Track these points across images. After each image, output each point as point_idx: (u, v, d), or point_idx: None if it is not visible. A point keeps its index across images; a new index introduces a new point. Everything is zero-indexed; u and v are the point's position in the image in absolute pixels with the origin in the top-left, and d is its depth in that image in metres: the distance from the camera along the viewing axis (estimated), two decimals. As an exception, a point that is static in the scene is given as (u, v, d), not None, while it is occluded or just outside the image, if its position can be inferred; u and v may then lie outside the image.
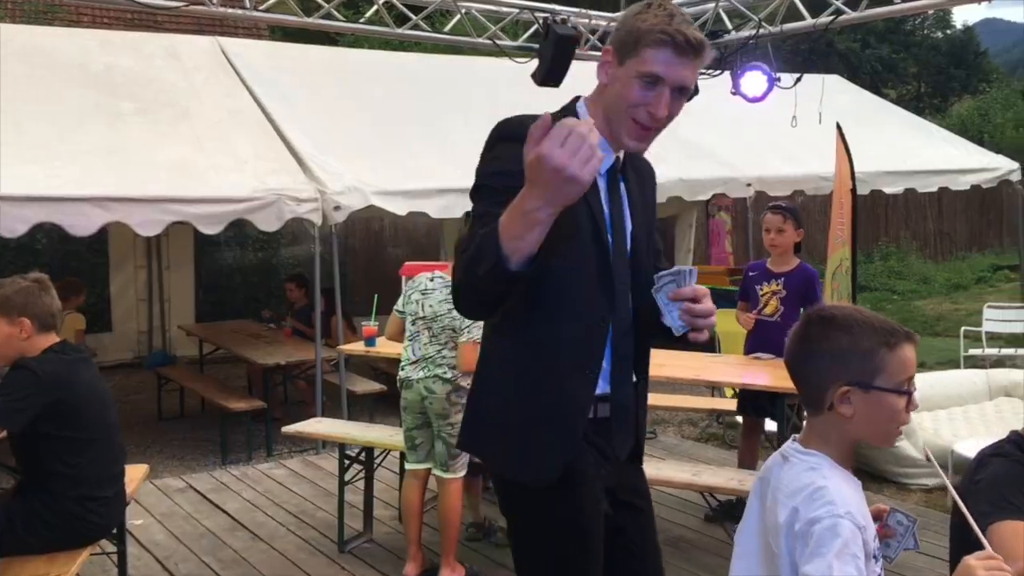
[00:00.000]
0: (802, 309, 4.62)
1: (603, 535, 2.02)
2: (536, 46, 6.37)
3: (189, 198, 6.19)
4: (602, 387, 2.01)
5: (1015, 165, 10.24)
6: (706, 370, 4.63)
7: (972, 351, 8.71)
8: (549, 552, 1.99)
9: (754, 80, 6.03)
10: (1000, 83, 34.30)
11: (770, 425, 4.84)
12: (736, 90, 6.10)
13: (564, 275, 1.91)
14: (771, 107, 6.82)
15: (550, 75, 6.17)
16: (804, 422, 1.71)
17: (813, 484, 1.57)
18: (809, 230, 11.10)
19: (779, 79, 6.11)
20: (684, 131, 9.11)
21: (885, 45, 36.67)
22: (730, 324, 5.08)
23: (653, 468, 4.34)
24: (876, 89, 25.01)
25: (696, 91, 2.12)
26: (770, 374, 4.32)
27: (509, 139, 1.87)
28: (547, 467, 1.94)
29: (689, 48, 1.87)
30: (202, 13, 5.96)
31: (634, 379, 2.09)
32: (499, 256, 1.68)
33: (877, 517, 1.71)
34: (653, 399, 6.33)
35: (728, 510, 4.53)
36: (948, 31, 41.65)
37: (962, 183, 10.02)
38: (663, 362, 4.35)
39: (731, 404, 5.37)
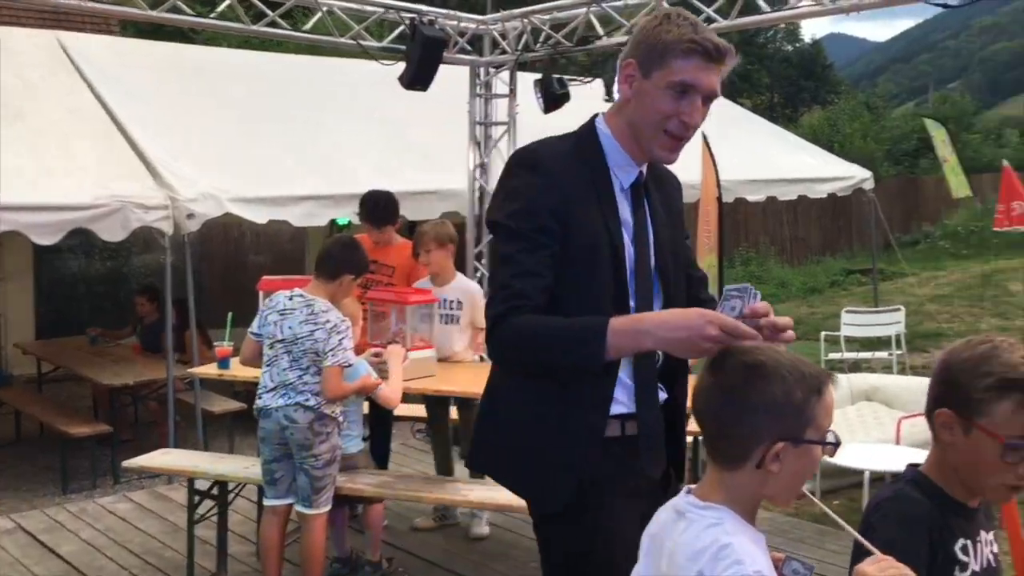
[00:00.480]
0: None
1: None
2: (402, 48, 6.12)
3: (21, 206, 5.64)
4: (628, 406, 1.99)
5: (868, 174, 10.67)
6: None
7: (831, 355, 8.98)
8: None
9: (626, 87, 5.96)
10: (847, 95, 36.23)
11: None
12: (610, 97, 6.01)
13: (577, 297, 1.91)
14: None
15: (417, 78, 5.95)
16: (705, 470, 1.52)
17: (717, 542, 1.40)
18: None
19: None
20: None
21: (741, 56, 38.06)
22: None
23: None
24: (733, 99, 25.91)
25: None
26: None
27: (527, 168, 1.93)
28: (559, 491, 1.94)
29: (717, 55, 1.91)
30: (34, 4, 5.41)
31: (665, 397, 2.06)
32: (597, 358, 1.77)
33: (773, 566, 1.56)
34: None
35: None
36: (797, 44, 43.79)
37: (819, 191, 10.36)
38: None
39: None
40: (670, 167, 2.16)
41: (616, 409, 1.97)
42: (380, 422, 5.06)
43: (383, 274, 5.21)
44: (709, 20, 5.38)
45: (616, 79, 2.02)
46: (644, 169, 2.06)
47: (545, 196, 1.90)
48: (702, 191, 7.37)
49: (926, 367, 8.98)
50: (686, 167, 8.79)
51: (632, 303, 1.97)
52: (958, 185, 13.67)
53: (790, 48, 43.59)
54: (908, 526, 1.57)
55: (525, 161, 1.97)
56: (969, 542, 1.60)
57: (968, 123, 32.24)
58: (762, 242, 17.41)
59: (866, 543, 1.45)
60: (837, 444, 1.45)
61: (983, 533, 1.64)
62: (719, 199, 7.19)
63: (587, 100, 6.81)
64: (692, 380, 1.74)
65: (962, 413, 1.57)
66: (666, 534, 1.50)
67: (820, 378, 1.45)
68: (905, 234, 18.83)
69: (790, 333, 1.76)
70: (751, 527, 1.47)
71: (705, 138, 6.95)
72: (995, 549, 1.66)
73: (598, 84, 6.36)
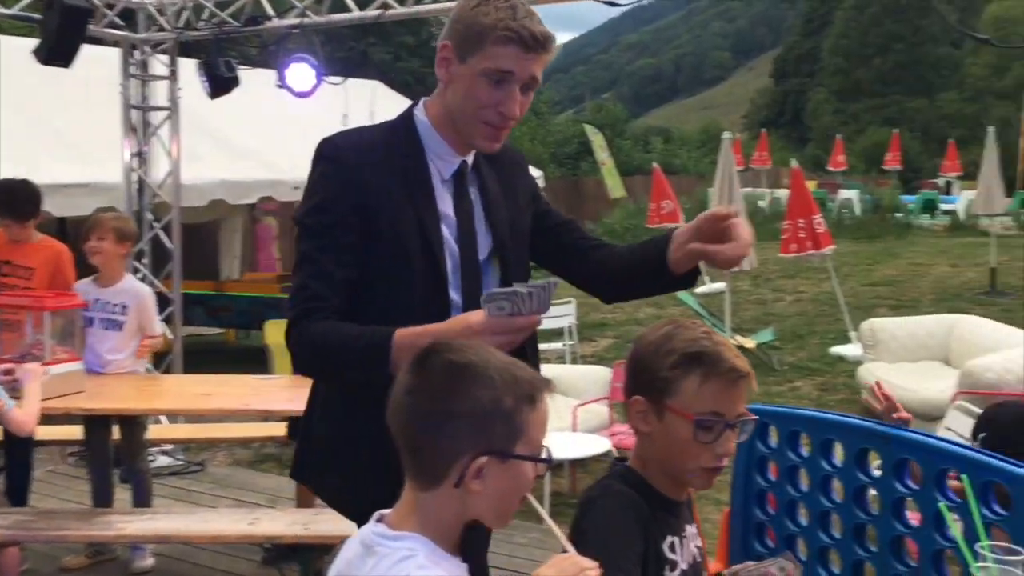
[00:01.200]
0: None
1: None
2: (37, 16, 5.32)
3: None
4: None
5: (539, 173, 11.18)
6: (255, 397, 4.09)
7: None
8: None
9: (300, 73, 5.61)
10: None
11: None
12: (282, 83, 5.63)
13: (389, 292, 1.83)
14: (320, 107, 6.49)
15: (56, 52, 5.18)
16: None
17: None
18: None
19: (327, 75, 5.78)
20: (226, 129, 8.48)
21: (416, 59, 38.94)
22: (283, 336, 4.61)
23: (201, 520, 3.73)
24: (413, 100, 26.27)
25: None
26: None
27: (325, 160, 1.84)
28: (371, 500, 1.62)
29: (536, 43, 1.79)
30: None
31: None
32: (383, 374, 1.61)
33: None
34: (192, 431, 5.70)
35: (286, 554, 4.06)
36: (469, 50, 45.35)
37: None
38: (209, 391, 3.76)
39: (282, 429, 4.87)
40: None
41: None
42: (15, 451, 4.31)
43: (19, 276, 4.50)
44: (385, 6, 5.21)
45: (437, 62, 1.88)
46: (470, 159, 1.95)
47: (343, 190, 1.81)
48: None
49: (595, 355, 9.55)
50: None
51: (455, 296, 1.88)
52: (615, 186, 14.86)
53: (462, 53, 45.02)
54: (620, 524, 1.46)
55: (323, 153, 1.86)
56: (676, 539, 1.53)
57: (621, 130, 35.36)
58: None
59: (564, 540, 1.30)
60: (550, 461, 1.28)
61: (688, 527, 1.59)
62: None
63: (258, 88, 6.44)
64: None
65: (653, 397, 1.51)
66: (353, 573, 1.26)
67: (535, 384, 1.28)
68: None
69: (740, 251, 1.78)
70: (452, 558, 1.27)
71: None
72: (699, 543, 1.61)
73: (270, 71, 5.95)
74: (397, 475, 1.54)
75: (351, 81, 6.07)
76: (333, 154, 1.85)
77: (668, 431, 1.50)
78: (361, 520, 1.81)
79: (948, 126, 48.55)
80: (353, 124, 6.70)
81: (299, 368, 1.90)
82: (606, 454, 5.04)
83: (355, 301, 1.82)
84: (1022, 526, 2.13)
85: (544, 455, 1.27)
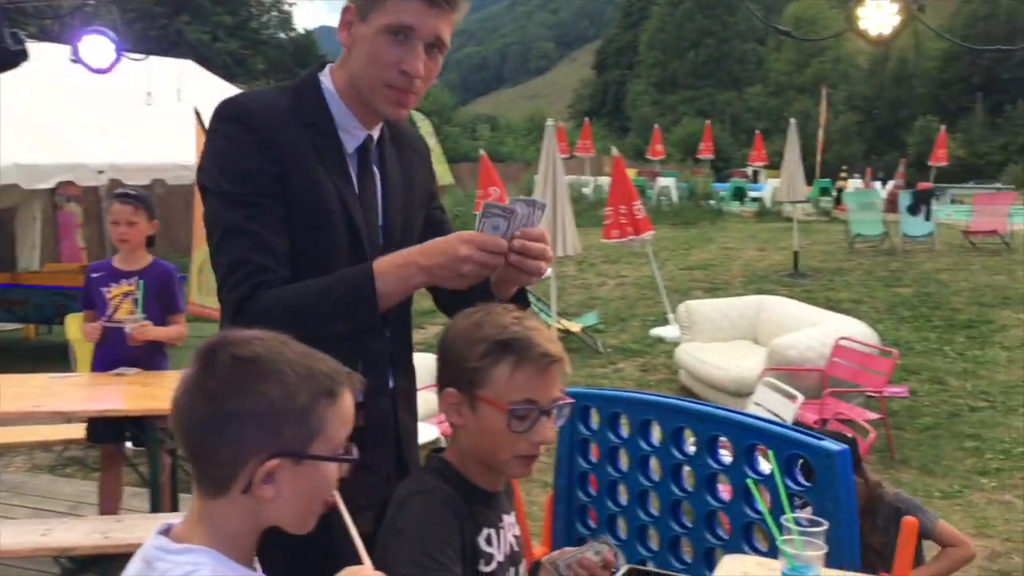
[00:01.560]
0: (165, 314, 4.10)
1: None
2: None
3: None
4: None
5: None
6: (49, 397, 3.76)
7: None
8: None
9: (98, 47, 5.21)
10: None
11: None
12: (76, 58, 5.21)
13: (311, 266, 1.66)
14: (123, 88, 6.07)
15: None
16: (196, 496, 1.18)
17: None
18: (174, 224, 10.36)
19: (129, 51, 5.40)
20: (19, 108, 7.80)
21: (234, 40, 37.47)
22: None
23: (-13, 534, 3.39)
24: (230, 82, 25.26)
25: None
26: (134, 394, 3.69)
27: (236, 123, 1.67)
28: None
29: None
30: None
31: (392, 385, 1.81)
32: (372, 314, 1.58)
33: None
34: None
35: (88, 564, 3.77)
36: (291, 33, 44.26)
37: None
38: (-6, 393, 3.42)
39: (82, 431, 4.52)
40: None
41: None
42: None
43: None
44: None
45: (340, 26, 1.74)
46: (376, 133, 1.81)
47: (260, 155, 1.65)
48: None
49: (424, 342, 9.48)
50: (178, 144, 8.17)
51: None
52: (443, 173, 14.78)
53: (284, 36, 43.88)
54: (436, 521, 1.40)
55: (233, 116, 1.68)
56: (493, 531, 1.49)
57: (448, 117, 35.39)
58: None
59: (361, 550, 1.22)
60: (353, 460, 1.19)
61: (506, 517, 1.55)
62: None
63: (56, 65, 5.95)
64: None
65: (465, 389, 1.45)
66: (137, 590, 1.13)
67: (335, 378, 1.18)
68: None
69: (539, 265, 1.59)
70: (246, 570, 1.16)
71: (198, 113, 6.45)
72: (517, 532, 1.57)
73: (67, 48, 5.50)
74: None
75: (156, 59, 5.69)
76: (242, 116, 1.67)
77: (482, 423, 1.45)
78: None
79: (755, 118, 51.64)
80: (158, 104, 6.36)
81: (272, 324, 1.68)
82: (435, 442, 5.00)
83: None
84: (826, 497, 2.24)
85: (346, 453, 1.19)
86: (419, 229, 1.91)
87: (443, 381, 1.48)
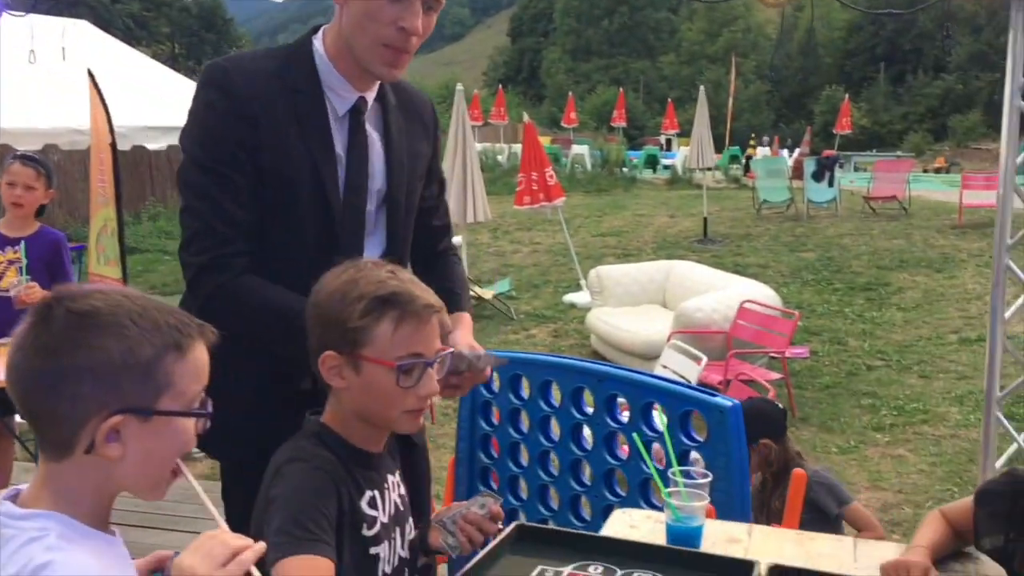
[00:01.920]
0: (52, 282, 3.93)
1: None
2: None
3: None
4: None
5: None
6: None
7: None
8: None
9: (-24, 3, 4.93)
10: (249, 48, 36.56)
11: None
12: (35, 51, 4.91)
13: (279, 233, 1.70)
14: (8, 48, 5.76)
15: None
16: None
17: (32, 562, 1.02)
18: (73, 191, 9.94)
19: (10, 8, 5.12)
20: None
21: (136, 2, 36.05)
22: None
23: None
24: (130, 47, 24.33)
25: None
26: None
27: (215, 88, 1.68)
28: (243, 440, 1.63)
29: None
30: None
31: None
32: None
33: (159, 568, 1.25)
34: None
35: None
36: (196, -5, 42.73)
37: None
38: None
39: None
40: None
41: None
42: None
43: None
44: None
45: None
46: (372, 95, 1.79)
47: (233, 122, 1.66)
48: (92, 136, 6.56)
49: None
50: (72, 112, 7.78)
51: (341, 239, 1.74)
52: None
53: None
54: (312, 488, 1.37)
55: (213, 80, 1.69)
56: (376, 492, 1.46)
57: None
58: (171, 196, 16.60)
59: (217, 516, 1.17)
60: (206, 414, 1.15)
61: (390, 477, 1.52)
62: (113, 145, 6.46)
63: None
64: None
65: (346, 350, 1.40)
66: (-16, 559, 1.08)
67: (183, 330, 1.13)
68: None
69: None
70: (100, 533, 1.11)
71: (91, 75, 6.17)
72: (402, 491, 1.55)
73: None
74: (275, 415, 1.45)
75: (39, 17, 5.41)
76: (221, 81, 1.68)
77: (367, 382, 1.41)
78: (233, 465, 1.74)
79: (667, 87, 52.32)
80: (41, 62, 6.04)
81: (214, 324, 1.63)
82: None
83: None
84: (718, 452, 2.28)
85: (201, 407, 1.14)
86: (418, 189, 1.91)
87: (320, 345, 1.43)
